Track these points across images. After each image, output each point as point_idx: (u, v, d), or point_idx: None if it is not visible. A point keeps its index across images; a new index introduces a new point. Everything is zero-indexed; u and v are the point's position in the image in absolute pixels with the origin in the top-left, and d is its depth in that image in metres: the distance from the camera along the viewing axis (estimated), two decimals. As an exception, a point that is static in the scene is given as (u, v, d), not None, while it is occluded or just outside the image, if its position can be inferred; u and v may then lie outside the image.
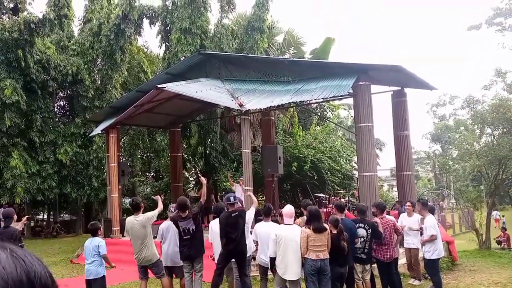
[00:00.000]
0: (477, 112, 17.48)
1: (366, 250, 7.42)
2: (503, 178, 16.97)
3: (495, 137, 17.43)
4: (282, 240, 6.52)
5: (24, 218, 9.51)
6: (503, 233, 20.82)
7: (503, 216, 34.75)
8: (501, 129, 17.17)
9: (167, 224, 7.97)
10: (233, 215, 7.26)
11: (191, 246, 7.45)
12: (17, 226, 7.39)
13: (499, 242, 19.96)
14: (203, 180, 8.34)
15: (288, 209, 6.89)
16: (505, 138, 16.27)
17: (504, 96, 17.68)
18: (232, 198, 7.45)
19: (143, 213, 7.75)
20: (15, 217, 7.53)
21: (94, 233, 7.24)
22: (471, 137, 17.83)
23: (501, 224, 29.40)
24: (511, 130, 16.48)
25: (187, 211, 7.56)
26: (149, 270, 7.83)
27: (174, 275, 8.03)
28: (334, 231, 6.71)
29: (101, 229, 7.90)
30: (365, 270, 7.57)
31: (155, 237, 8.05)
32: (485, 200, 19.29)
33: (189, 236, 7.46)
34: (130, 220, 7.70)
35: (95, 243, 7.04)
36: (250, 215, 8.05)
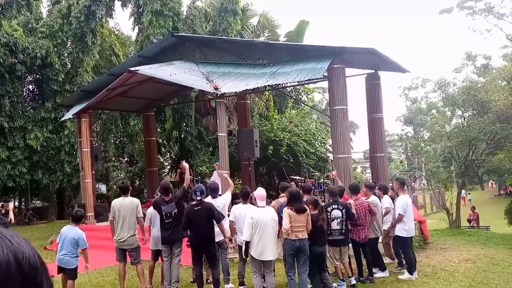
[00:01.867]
0: (448, 95, 17.85)
1: (343, 231, 7.50)
2: (472, 159, 17.44)
3: (466, 119, 17.86)
4: (258, 223, 6.58)
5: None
6: (473, 212, 21.47)
7: (469, 193, 35.91)
8: (471, 111, 17.59)
9: (152, 210, 7.94)
10: (195, 208, 7.14)
11: (173, 230, 7.44)
12: None
13: (469, 221, 20.60)
14: (185, 166, 8.20)
15: (260, 191, 6.92)
16: (475, 120, 16.68)
17: (474, 78, 18.10)
18: (198, 193, 7.13)
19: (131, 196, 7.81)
20: None
21: (77, 221, 6.99)
22: (442, 119, 18.22)
23: (467, 202, 30.37)
24: (481, 112, 16.89)
25: (170, 195, 7.56)
26: (127, 254, 7.79)
27: (160, 259, 8.03)
28: (314, 211, 6.83)
29: (84, 218, 7.73)
30: (343, 252, 7.62)
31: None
32: (455, 181, 19.84)
33: (171, 220, 7.44)
34: (118, 201, 7.71)
35: (74, 234, 6.77)
36: (226, 198, 8.08)
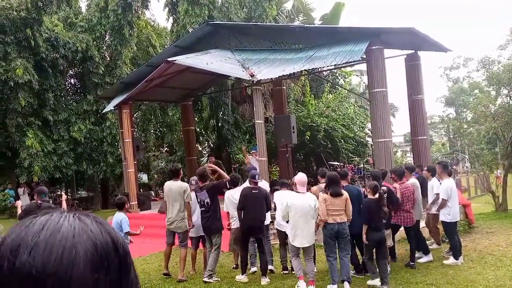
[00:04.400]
0: (492, 73, 17.15)
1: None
2: (519, 140, 16.72)
3: (512, 98, 17.14)
4: (294, 209, 6.56)
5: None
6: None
7: (495, 170, 34.33)
8: (518, 90, 16.85)
9: (193, 196, 8.09)
10: (253, 191, 7.34)
11: (209, 220, 7.58)
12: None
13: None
14: (213, 167, 8.82)
15: (300, 177, 6.89)
16: (522, 99, 16.00)
17: (520, 55, 17.26)
18: (256, 177, 7.49)
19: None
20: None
21: (120, 207, 7.27)
22: (486, 99, 17.54)
23: (502, 182, 29.11)
24: (528, 90, 16.15)
25: (206, 182, 7.73)
26: (176, 237, 8.00)
27: (201, 245, 8.21)
28: (371, 196, 6.76)
29: (127, 203, 8.01)
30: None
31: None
32: (501, 163, 19.11)
33: (204, 209, 7.61)
34: (168, 184, 8.03)
35: (118, 219, 7.09)
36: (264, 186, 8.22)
